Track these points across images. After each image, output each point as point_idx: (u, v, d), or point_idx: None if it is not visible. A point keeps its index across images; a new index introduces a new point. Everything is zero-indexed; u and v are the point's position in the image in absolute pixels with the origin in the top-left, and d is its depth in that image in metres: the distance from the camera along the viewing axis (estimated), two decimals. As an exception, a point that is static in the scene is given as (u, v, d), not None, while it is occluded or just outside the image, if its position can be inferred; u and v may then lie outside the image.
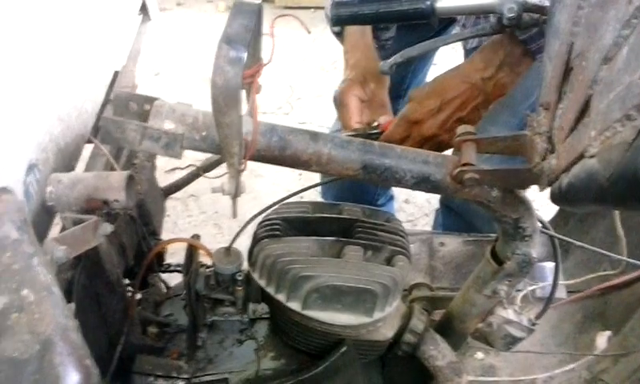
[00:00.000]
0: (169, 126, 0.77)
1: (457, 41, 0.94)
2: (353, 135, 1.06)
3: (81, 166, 1.11)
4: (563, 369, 1.15)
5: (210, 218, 2.44)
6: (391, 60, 0.98)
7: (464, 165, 0.76)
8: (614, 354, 1.06)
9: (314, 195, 1.88)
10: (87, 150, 1.18)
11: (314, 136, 0.78)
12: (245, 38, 0.64)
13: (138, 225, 1.20)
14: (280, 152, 0.77)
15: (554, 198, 0.70)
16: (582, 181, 0.63)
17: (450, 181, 0.78)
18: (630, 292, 1.10)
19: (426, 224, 2.28)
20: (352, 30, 1.18)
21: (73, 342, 0.44)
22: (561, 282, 1.20)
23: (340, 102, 1.16)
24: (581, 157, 0.64)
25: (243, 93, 0.81)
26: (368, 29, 1.16)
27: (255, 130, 0.76)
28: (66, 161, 1.02)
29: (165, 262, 1.31)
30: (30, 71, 0.91)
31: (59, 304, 0.47)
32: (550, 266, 1.28)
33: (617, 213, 1.04)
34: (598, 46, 0.63)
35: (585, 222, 1.33)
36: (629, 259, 1.00)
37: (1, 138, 0.81)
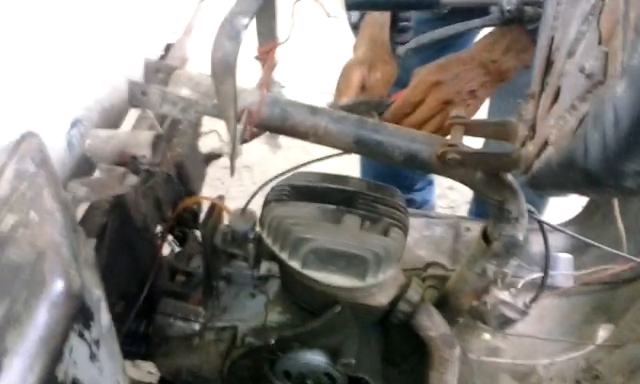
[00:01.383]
0: (185, 92, 0.87)
1: (466, 30, 0.98)
2: (361, 103, 1.08)
3: (127, 127, 1.23)
4: (564, 357, 1.17)
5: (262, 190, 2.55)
6: (406, 45, 1.03)
7: (449, 145, 0.81)
8: (609, 345, 1.08)
9: (356, 172, 1.95)
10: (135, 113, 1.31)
11: (314, 110, 0.86)
12: (246, 17, 0.72)
13: (176, 184, 1.32)
14: (281, 122, 0.85)
15: (529, 184, 0.75)
16: (544, 167, 0.67)
17: (435, 160, 0.83)
18: (632, 287, 1.11)
19: (466, 211, 2.29)
20: (369, 24, 1.20)
21: (63, 256, 0.54)
22: (569, 272, 1.21)
23: (343, 72, 1.16)
24: (545, 144, 0.68)
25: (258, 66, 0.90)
26: (386, 27, 1.17)
27: (261, 101, 0.85)
28: (110, 121, 1.14)
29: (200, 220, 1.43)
30: (82, 37, 1.03)
31: (57, 226, 0.57)
32: (564, 256, 1.29)
33: (617, 207, 1.05)
34: (566, 40, 0.66)
35: (607, 218, 1.32)
36: (630, 256, 1.01)
37: (49, 94, 0.93)
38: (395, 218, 0.99)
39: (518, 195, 0.85)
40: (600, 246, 0.96)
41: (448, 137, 0.88)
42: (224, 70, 0.71)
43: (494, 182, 0.84)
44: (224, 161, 1.61)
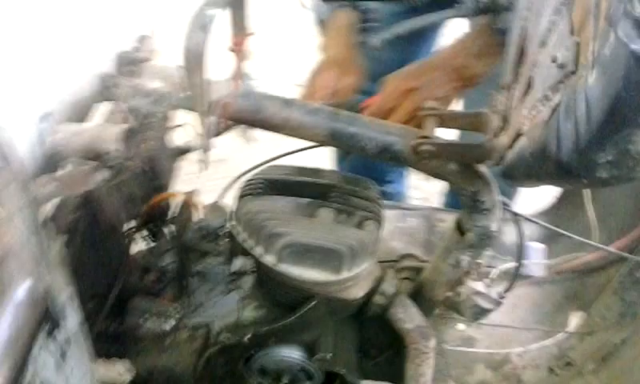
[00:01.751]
0: (156, 84, 0.85)
1: (440, 19, 0.98)
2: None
3: (98, 120, 1.20)
4: (537, 345, 1.19)
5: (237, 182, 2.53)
6: (380, 36, 1.02)
7: (422, 137, 0.81)
8: (580, 332, 1.09)
9: (330, 164, 1.94)
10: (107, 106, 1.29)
11: (287, 102, 0.85)
12: (217, 8, 0.71)
13: (147, 178, 1.30)
14: (254, 115, 0.84)
15: (503, 175, 0.75)
16: (517, 158, 0.68)
17: (409, 152, 0.83)
18: (604, 274, 1.13)
19: (440, 202, 2.31)
20: (337, 24, 1.17)
21: (31, 253, 0.53)
22: (542, 261, 1.23)
23: (314, 73, 1.13)
24: (518, 135, 0.69)
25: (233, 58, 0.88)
26: (354, 27, 1.17)
27: (234, 93, 0.83)
28: (80, 114, 1.12)
29: (170, 216, 1.40)
30: (52, 29, 1.00)
31: (27, 222, 0.55)
32: (536, 246, 1.31)
33: (588, 196, 1.06)
34: (538, 30, 0.67)
35: (577, 207, 1.34)
36: (599, 245, 1.02)
37: (18, 87, 0.90)
38: (370, 210, 0.99)
39: (491, 186, 0.86)
40: (570, 235, 0.97)
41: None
42: (194, 60, 0.70)
43: (468, 173, 0.84)
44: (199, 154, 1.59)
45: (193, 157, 1.68)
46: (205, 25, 0.70)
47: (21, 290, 0.51)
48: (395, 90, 1.08)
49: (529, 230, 1.36)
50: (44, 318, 0.52)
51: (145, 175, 1.28)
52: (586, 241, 0.99)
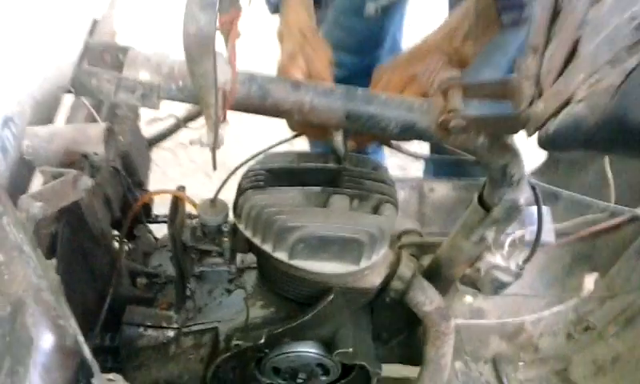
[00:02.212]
0: (144, 76, 0.75)
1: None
2: None
3: (62, 118, 1.08)
4: (551, 311, 1.16)
5: (199, 167, 2.42)
6: (375, 3, 0.94)
7: (450, 111, 0.74)
8: (601, 295, 1.07)
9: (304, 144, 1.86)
10: (68, 101, 1.16)
11: (295, 85, 0.76)
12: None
13: (123, 176, 1.19)
14: (260, 101, 0.75)
15: (542, 144, 0.69)
16: (569, 126, 0.62)
17: (435, 128, 0.76)
18: (616, 235, 1.11)
19: (418, 170, 2.26)
20: (291, 7, 1.06)
21: (46, 303, 0.43)
22: (549, 225, 1.19)
23: (280, 74, 0.98)
24: (568, 101, 0.62)
25: (221, 40, 0.78)
26: (311, 6, 1.06)
27: (234, 79, 0.74)
28: (44, 113, 0.99)
29: (152, 214, 1.30)
30: (1, 21, 0.87)
31: (31, 264, 0.46)
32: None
33: (606, 157, 1.03)
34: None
35: (575, 166, 1.32)
36: (614, 206, 0.99)
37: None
38: (384, 192, 0.92)
39: (520, 157, 0.80)
40: (594, 200, 0.94)
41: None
42: (200, 46, 0.60)
43: (497, 145, 0.78)
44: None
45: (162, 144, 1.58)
46: (208, 2, 0.60)
47: (46, 346, 0.41)
48: (392, 81, 0.99)
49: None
50: (78, 374, 0.43)
51: (120, 174, 1.17)
52: (612, 205, 0.95)
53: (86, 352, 0.48)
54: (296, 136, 0.95)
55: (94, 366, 0.52)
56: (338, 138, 0.89)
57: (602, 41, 0.56)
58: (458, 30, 0.97)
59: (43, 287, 0.45)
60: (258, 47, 1.50)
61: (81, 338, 0.49)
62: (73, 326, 0.46)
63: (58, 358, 0.41)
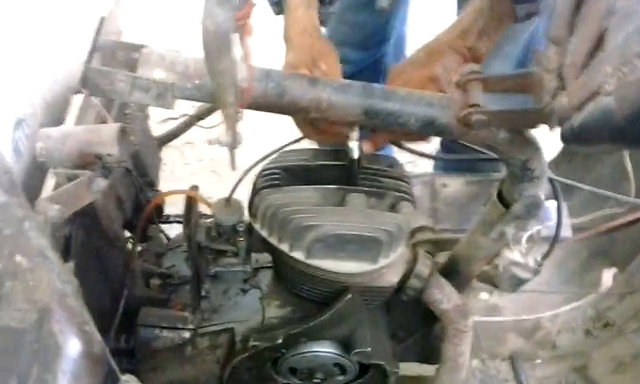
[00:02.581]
0: (159, 75, 0.74)
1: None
2: None
3: (71, 119, 1.07)
4: (568, 307, 1.15)
5: (207, 165, 2.41)
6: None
7: (471, 106, 0.73)
8: (620, 291, 1.06)
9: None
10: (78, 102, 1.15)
11: (313, 81, 0.75)
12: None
13: (134, 177, 1.18)
14: (277, 99, 0.74)
15: (566, 138, 0.67)
16: (597, 120, 0.60)
17: (456, 124, 0.75)
18: (636, 229, 1.09)
19: (427, 165, 2.25)
20: (294, 4, 1.01)
21: (71, 309, 0.42)
22: (566, 220, 1.18)
23: (287, 69, 0.93)
24: (595, 94, 0.61)
25: (236, 37, 0.77)
26: (312, 5, 1.00)
27: (250, 77, 0.72)
28: (55, 114, 0.99)
29: (164, 214, 1.29)
30: (10, 24, 0.86)
31: (55, 269, 0.45)
32: (554, 204, 1.26)
33: (626, 152, 1.01)
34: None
35: (590, 158, 1.30)
36: (634, 200, 0.97)
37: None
38: (401, 190, 0.91)
39: (540, 152, 0.79)
40: (616, 196, 0.92)
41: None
42: (219, 44, 0.59)
43: (518, 140, 0.76)
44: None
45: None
46: (224, 1, 0.58)
47: (73, 352, 0.40)
48: (410, 82, 0.96)
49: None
50: (107, 379, 0.42)
51: (131, 174, 1.16)
52: (626, 198, 0.94)
53: (110, 358, 0.47)
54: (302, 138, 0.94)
55: (117, 371, 0.51)
56: (353, 142, 0.87)
57: (633, 31, 0.55)
58: (472, 27, 0.95)
59: (68, 293, 0.44)
60: (266, 47, 1.49)
61: (105, 344, 0.48)
62: (96, 331, 0.45)
63: (86, 365, 0.40)
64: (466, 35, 0.94)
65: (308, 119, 0.87)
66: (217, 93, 0.63)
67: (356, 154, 0.87)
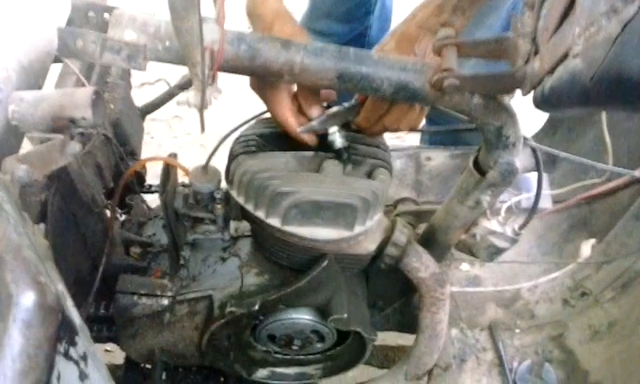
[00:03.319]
0: (130, 36, 0.73)
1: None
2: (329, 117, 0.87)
3: (50, 86, 1.06)
4: (547, 277, 1.15)
5: (195, 138, 2.40)
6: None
7: (444, 70, 0.72)
8: (597, 261, 1.06)
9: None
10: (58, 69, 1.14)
11: (286, 44, 0.74)
12: None
13: (115, 145, 1.17)
14: (250, 62, 0.73)
15: (537, 103, 0.67)
16: (566, 82, 0.60)
17: (429, 88, 0.74)
18: (614, 199, 1.09)
19: (414, 138, 2.24)
20: None
21: (26, 260, 0.42)
22: (546, 192, 1.18)
23: (265, 98, 0.87)
24: (564, 57, 0.61)
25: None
26: None
27: (222, 39, 0.72)
28: (31, 80, 0.97)
29: (146, 183, 1.29)
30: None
31: (11, 221, 0.44)
32: (535, 176, 1.26)
33: (604, 120, 1.01)
34: None
35: (573, 131, 1.30)
36: (612, 167, 0.98)
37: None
38: (379, 157, 0.90)
39: (515, 118, 0.79)
40: (595, 164, 0.92)
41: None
42: (185, 1, 0.58)
43: (492, 106, 0.76)
44: (154, 113, 1.45)
45: (156, 115, 1.55)
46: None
47: (26, 303, 0.40)
48: None
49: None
50: (60, 332, 0.42)
51: (112, 142, 1.15)
52: (610, 167, 0.94)
53: (70, 310, 0.47)
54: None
55: (79, 323, 0.51)
56: (334, 132, 0.86)
57: (598, -9, 0.54)
58: (444, 4, 0.91)
59: (24, 244, 0.44)
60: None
61: (64, 297, 0.48)
62: (57, 284, 0.45)
63: (39, 315, 0.40)
64: (440, 11, 0.91)
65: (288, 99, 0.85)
66: (184, 52, 0.63)
67: (339, 144, 0.86)
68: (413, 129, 0.90)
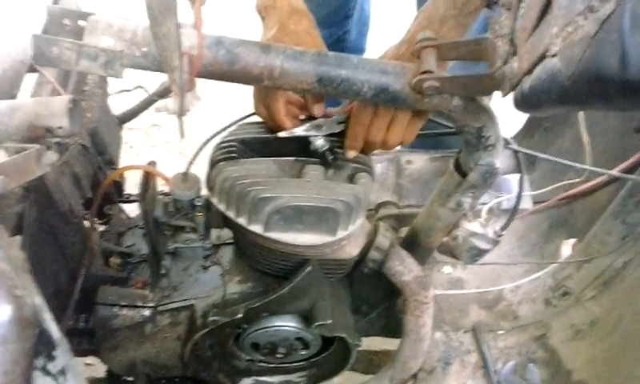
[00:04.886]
0: (106, 42, 0.71)
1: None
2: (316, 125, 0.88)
3: (26, 96, 1.04)
4: (529, 278, 1.16)
5: (174, 147, 2.38)
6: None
7: (423, 72, 0.72)
8: (578, 260, 1.07)
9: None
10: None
11: (265, 48, 0.74)
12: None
13: (92, 154, 1.15)
14: (229, 66, 0.72)
15: (517, 103, 0.68)
16: (544, 82, 0.60)
17: (409, 90, 0.74)
18: (593, 199, 1.11)
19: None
20: None
21: (1, 272, 0.41)
22: (527, 193, 1.19)
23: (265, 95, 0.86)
24: (543, 57, 0.61)
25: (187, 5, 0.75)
26: None
27: (200, 43, 0.71)
28: (6, 89, 0.95)
29: (124, 193, 1.27)
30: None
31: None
32: (515, 177, 1.27)
33: (582, 120, 1.03)
34: None
35: (550, 133, 1.32)
36: (591, 167, 0.99)
37: None
38: (360, 161, 0.90)
39: (495, 120, 0.79)
40: (573, 164, 0.93)
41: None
42: (162, 6, 0.57)
43: (472, 107, 0.77)
44: (132, 121, 1.43)
45: (126, 124, 1.53)
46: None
47: (2, 318, 0.39)
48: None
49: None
50: (38, 347, 0.41)
51: (89, 151, 1.14)
52: (589, 167, 0.95)
53: (48, 324, 0.46)
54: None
55: (58, 337, 0.50)
56: (318, 139, 0.86)
57: (575, -10, 0.55)
58: (432, 16, 0.91)
59: (-1, 256, 0.42)
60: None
61: (42, 310, 0.47)
62: (34, 297, 0.44)
63: (15, 329, 0.39)
64: (428, 25, 0.88)
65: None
66: (161, 58, 0.62)
67: (321, 146, 0.86)
68: (404, 142, 0.89)
